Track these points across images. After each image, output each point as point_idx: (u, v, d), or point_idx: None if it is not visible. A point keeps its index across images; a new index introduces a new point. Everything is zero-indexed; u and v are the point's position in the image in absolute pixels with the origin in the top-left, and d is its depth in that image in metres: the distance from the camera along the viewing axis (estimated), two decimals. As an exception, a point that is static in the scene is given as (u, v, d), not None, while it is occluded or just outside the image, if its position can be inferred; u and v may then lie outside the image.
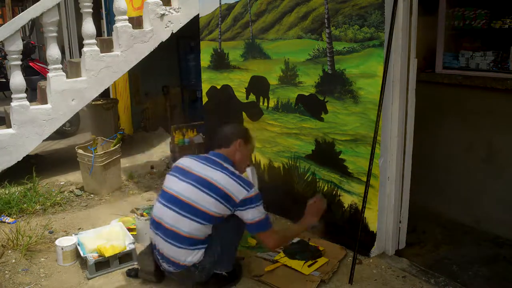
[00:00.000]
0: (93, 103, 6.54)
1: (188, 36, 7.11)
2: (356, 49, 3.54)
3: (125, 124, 7.73)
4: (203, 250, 3.12)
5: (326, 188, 3.95)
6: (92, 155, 5.13)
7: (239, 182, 3.11)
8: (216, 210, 3.07)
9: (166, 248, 3.14)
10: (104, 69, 5.68)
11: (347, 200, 3.79)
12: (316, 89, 3.92)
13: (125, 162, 6.17)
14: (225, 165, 3.21)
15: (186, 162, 3.32)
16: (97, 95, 5.78)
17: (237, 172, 3.19)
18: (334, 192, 3.88)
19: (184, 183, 3.16)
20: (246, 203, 3.09)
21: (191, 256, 3.10)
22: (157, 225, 3.21)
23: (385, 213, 3.65)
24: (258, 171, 4.65)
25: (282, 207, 4.43)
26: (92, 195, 5.23)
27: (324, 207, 3.47)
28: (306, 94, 4.02)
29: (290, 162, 4.28)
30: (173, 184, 3.22)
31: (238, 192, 3.08)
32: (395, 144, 3.52)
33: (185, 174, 3.20)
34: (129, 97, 7.68)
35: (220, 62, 4.93)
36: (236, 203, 3.08)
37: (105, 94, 6.77)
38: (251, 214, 3.11)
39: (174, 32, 6.14)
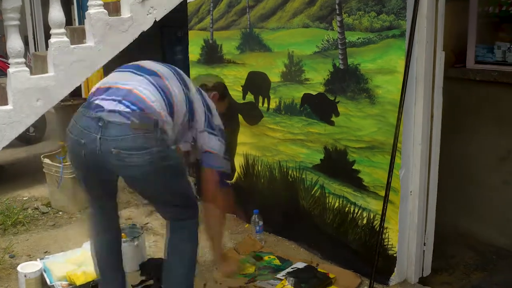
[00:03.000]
0: (62, 104, 6.52)
1: (174, 25, 7.10)
2: (372, 40, 3.55)
3: (99, 129, 7.70)
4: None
5: (337, 204, 3.95)
6: (60, 165, 5.12)
7: (211, 108, 3.31)
8: (178, 96, 3.01)
9: (134, 83, 2.92)
10: (75, 63, 5.66)
11: (361, 218, 3.79)
12: (326, 88, 3.93)
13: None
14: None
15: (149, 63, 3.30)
16: (67, 94, 5.75)
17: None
18: (347, 209, 3.88)
19: (139, 76, 3.01)
20: (216, 129, 3.28)
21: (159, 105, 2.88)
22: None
23: (407, 234, 3.64)
24: (257, 184, 4.65)
25: (285, 227, 4.42)
26: (60, 213, 5.22)
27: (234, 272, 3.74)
28: (314, 93, 4.02)
29: (295, 173, 4.28)
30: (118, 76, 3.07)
31: (216, 116, 3.34)
32: (419, 152, 3.52)
33: (138, 68, 3.11)
34: (104, 97, 7.67)
35: (212, 56, 4.94)
36: (208, 124, 3.25)
37: (76, 93, 6.76)
38: (215, 144, 3.25)
39: (157, 20, 6.14)
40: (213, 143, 3.24)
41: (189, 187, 3.14)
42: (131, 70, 3.07)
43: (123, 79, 2.97)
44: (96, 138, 2.74)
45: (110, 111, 2.76)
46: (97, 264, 3.29)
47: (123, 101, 2.79)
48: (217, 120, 3.33)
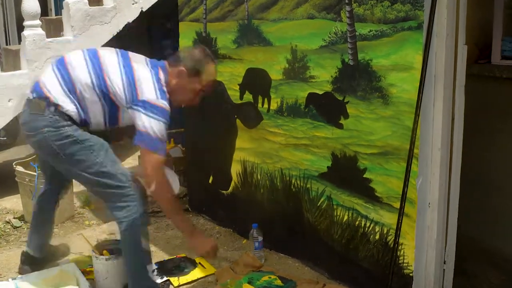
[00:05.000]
0: (36, 104, 6.51)
1: (163, 16, 7.11)
2: (386, 32, 3.55)
3: (79, 133, 7.69)
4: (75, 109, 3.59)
5: (346, 217, 3.94)
6: (35, 173, 5.11)
7: (156, 87, 3.56)
8: (115, 87, 3.57)
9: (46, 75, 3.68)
10: (51, 59, 5.67)
11: (374, 233, 3.78)
12: (333, 86, 3.92)
13: (78, 183, 6.13)
14: (159, 71, 3.71)
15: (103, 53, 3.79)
16: (42, 93, 5.75)
17: (163, 85, 3.65)
18: (357, 222, 3.87)
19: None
20: (146, 106, 3.49)
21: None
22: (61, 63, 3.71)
23: (424, 250, 3.63)
24: (256, 194, 4.64)
25: (288, 243, 4.42)
26: (34, 227, 5.19)
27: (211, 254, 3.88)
28: (320, 92, 4.02)
29: (299, 182, 4.28)
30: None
31: (148, 90, 3.53)
32: (438, 158, 3.51)
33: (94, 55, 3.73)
34: (84, 97, 7.67)
35: (206, 50, 4.93)
36: (136, 99, 3.52)
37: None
38: (144, 122, 3.48)
39: (144, 10, 6.15)
40: (140, 120, 3.48)
41: (112, 168, 3.60)
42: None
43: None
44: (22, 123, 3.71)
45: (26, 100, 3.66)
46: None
47: (31, 92, 3.64)
48: (150, 94, 3.53)
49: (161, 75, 3.66)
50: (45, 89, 3.55)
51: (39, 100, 3.54)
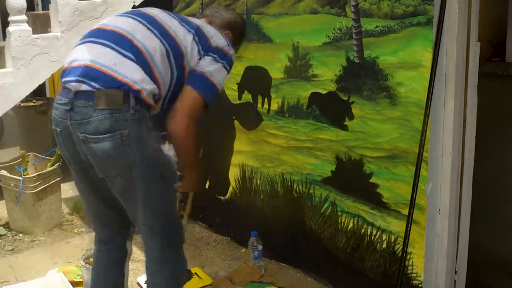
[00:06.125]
0: (22, 104, 6.53)
1: (156, 11, 7.10)
2: (393, 28, 3.55)
3: (67, 134, 7.70)
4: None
5: (351, 224, 3.94)
6: (20, 178, 5.11)
7: (219, 31, 3.43)
8: (183, 42, 3.17)
9: (108, 57, 2.98)
10: (38, 56, 5.67)
11: (381, 242, 3.79)
12: (337, 85, 3.93)
13: (67, 189, 6.16)
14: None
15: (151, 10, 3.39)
16: (28, 93, 5.76)
17: None
18: (363, 230, 3.87)
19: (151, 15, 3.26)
20: (222, 54, 3.28)
21: (140, 79, 2.93)
22: (103, 33, 3.12)
23: (434, 260, 3.63)
24: (255, 201, 4.64)
25: (289, 252, 4.42)
26: (20, 235, 5.22)
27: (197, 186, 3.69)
28: (323, 92, 4.02)
29: (301, 188, 4.28)
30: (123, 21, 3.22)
31: (216, 36, 3.33)
32: (449, 162, 3.51)
33: (146, 17, 3.25)
34: (73, 96, 7.66)
35: (202, 47, 4.93)
36: (211, 47, 3.26)
37: (39, 92, 6.76)
38: (214, 68, 3.23)
39: (136, 4, 6.15)
40: (210, 67, 3.22)
41: (172, 205, 3.15)
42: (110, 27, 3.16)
43: (83, 50, 3.05)
44: (68, 124, 2.89)
45: (76, 93, 2.87)
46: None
47: (85, 80, 2.87)
48: (220, 40, 3.35)
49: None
50: (115, 73, 2.88)
51: (111, 91, 2.83)
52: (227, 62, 3.30)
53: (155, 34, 3.08)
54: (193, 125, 3.15)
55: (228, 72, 3.33)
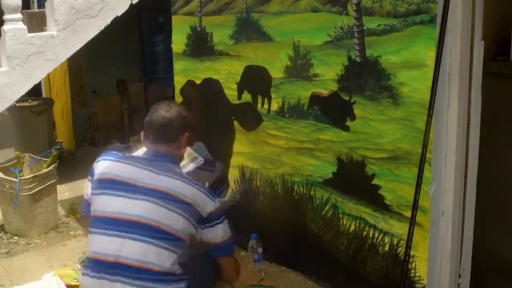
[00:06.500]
0: (17, 105, 6.52)
1: (154, 9, 7.12)
2: (396, 27, 3.55)
3: (64, 135, 7.72)
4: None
5: (352, 227, 3.94)
6: (16, 180, 5.11)
7: (204, 192, 3.26)
8: (179, 229, 3.15)
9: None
10: (33, 56, 5.66)
11: (383, 244, 3.79)
12: (339, 85, 3.93)
13: (63, 190, 6.15)
14: (178, 170, 3.33)
15: (119, 170, 3.31)
16: (23, 93, 5.75)
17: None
18: (365, 233, 3.87)
19: (135, 200, 3.18)
20: (213, 217, 3.26)
21: None
22: (102, 265, 3.17)
23: (438, 262, 3.63)
24: (255, 203, 4.64)
25: (290, 255, 4.42)
26: (16, 238, 5.22)
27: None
28: (324, 92, 4.02)
29: (301, 189, 4.28)
30: (115, 204, 3.21)
31: (205, 204, 3.22)
32: (453, 164, 3.51)
33: (131, 189, 3.21)
34: (69, 97, 7.67)
35: (201, 46, 4.94)
36: (203, 218, 3.21)
37: (35, 92, 6.76)
38: (221, 231, 3.31)
39: (134, 3, 6.15)
40: (216, 234, 3.31)
41: None
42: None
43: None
44: None
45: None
46: None
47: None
48: (208, 204, 3.26)
49: (182, 171, 3.37)
50: (148, 265, 3.11)
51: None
52: (222, 214, 3.34)
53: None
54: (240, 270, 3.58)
55: (228, 220, 3.37)
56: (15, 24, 5.59)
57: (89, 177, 3.44)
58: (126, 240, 3.13)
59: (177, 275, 3.15)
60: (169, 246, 3.11)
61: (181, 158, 3.46)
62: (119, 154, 3.41)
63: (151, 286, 3.09)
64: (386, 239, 3.76)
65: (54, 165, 5.39)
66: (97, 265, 3.19)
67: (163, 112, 3.39)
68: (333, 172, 4.04)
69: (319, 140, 4.09)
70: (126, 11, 6.13)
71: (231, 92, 4.73)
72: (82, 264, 4.05)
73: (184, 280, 3.17)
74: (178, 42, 5.15)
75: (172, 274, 3.13)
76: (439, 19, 3.31)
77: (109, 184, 3.27)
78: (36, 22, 5.91)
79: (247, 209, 4.73)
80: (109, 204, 3.22)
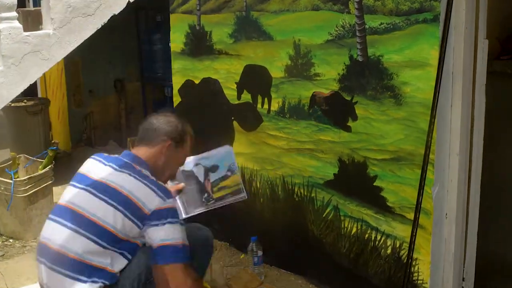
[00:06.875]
0: (12, 105, 6.52)
1: (152, 7, 7.12)
2: (398, 25, 3.55)
3: (60, 136, 7.72)
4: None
5: (354, 229, 3.94)
6: (11, 181, 5.11)
7: (151, 187, 3.17)
8: (117, 226, 3.08)
9: (50, 280, 3.16)
10: (29, 55, 5.65)
11: (385, 247, 3.79)
12: (340, 85, 3.93)
13: (59, 192, 6.12)
14: (138, 167, 3.28)
15: (87, 165, 3.43)
16: (18, 93, 5.73)
17: (151, 177, 3.25)
18: (367, 235, 3.87)
19: (77, 189, 3.25)
20: (161, 215, 3.10)
21: None
22: (42, 249, 3.24)
23: (441, 265, 3.63)
24: (255, 204, 4.64)
25: (290, 258, 4.41)
26: (11, 240, 5.22)
27: None
28: (326, 91, 4.02)
29: (302, 191, 4.28)
30: (67, 194, 3.31)
31: (148, 199, 3.12)
32: (456, 165, 3.51)
33: (82, 180, 3.30)
34: (65, 97, 7.67)
35: (199, 45, 4.94)
36: (145, 216, 3.10)
37: (31, 91, 6.76)
38: (167, 233, 3.10)
39: (131, 1, 6.15)
40: (158, 235, 3.11)
41: None
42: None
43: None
44: None
45: None
46: None
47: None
48: (153, 201, 3.15)
49: (143, 169, 3.28)
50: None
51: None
52: (171, 215, 3.14)
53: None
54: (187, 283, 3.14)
55: (181, 224, 3.19)
56: (10, 23, 5.58)
57: None
58: (55, 225, 3.19)
59: (100, 269, 3.07)
60: (96, 239, 3.06)
61: (157, 164, 3.36)
62: (105, 155, 3.46)
63: (62, 272, 3.07)
64: (389, 242, 3.76)
65: (50, 166, 5.39)
66: (40, 249, 3.27)
67: (154, 119, 3.46)
68: (334, 174, 4.04)
69: (320, 140, 4.09)
70: (124, 9, 6.13)
71: (230, 92, 4.73)
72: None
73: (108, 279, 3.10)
74: (177, 41, 5.15)
75: (93, 267, 3.06)
76: (442, 18, 3.31)
77: (77, 177, 3.36)
78: (32, 21, 5.91)
79: (247, 212, 4.73)
80: (66, 194, 3.31)
